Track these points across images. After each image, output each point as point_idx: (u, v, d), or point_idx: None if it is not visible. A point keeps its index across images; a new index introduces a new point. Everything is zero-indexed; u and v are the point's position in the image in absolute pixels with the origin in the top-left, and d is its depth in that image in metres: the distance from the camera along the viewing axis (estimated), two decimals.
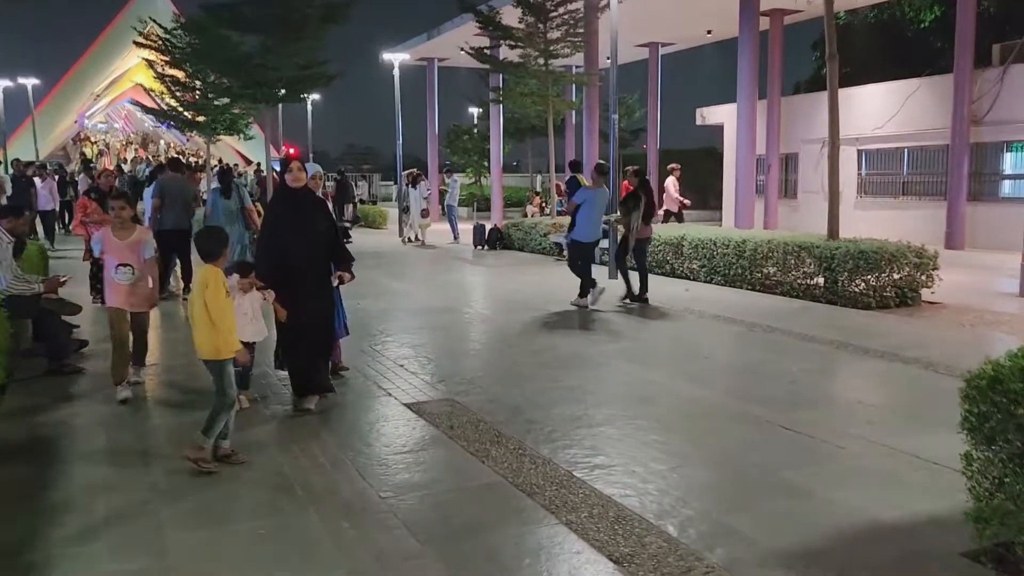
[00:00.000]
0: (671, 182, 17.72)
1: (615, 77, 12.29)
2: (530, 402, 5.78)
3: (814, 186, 20.56)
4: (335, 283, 5.89)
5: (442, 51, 26.36)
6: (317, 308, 5.63)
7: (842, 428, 5.10)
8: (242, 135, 22.66)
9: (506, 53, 18.71)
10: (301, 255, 5.52)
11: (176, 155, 37.47)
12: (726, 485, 4.26)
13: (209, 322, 4.56)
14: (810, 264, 10.26)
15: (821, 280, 10.12)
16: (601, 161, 11.15)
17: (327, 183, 21.57)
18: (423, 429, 5.26)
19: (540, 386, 6.25)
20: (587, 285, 9.78)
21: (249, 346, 5.34)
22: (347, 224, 21.00)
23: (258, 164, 33.26)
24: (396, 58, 20.30)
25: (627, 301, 10.21)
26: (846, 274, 9.69)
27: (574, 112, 28.02)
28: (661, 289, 11.34)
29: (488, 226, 18.05)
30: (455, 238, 19.18)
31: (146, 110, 20.30)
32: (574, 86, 20.90)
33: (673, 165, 18.16)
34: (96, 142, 51.96)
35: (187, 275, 10.89)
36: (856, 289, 9.64)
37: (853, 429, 5.07)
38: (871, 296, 9.54)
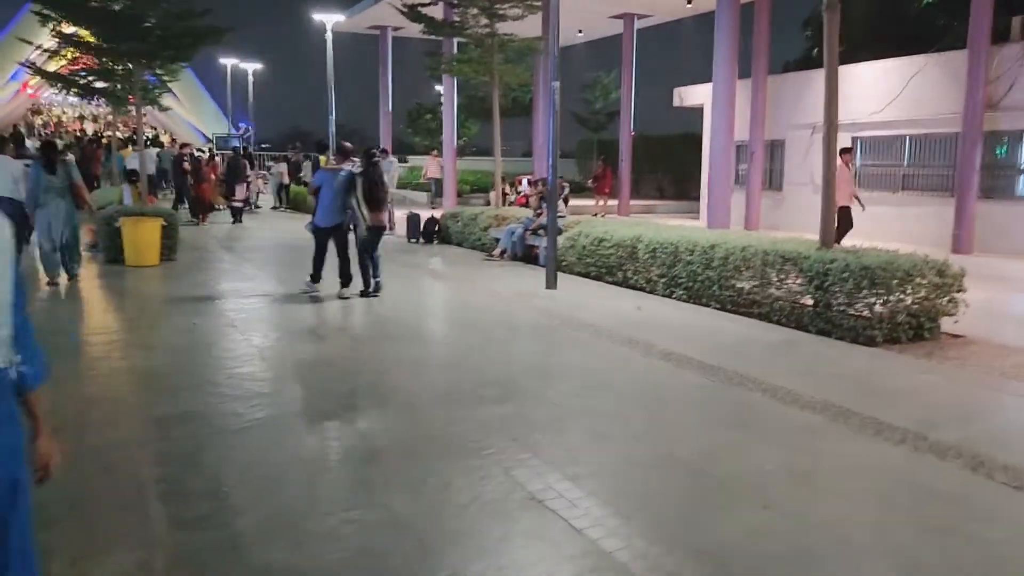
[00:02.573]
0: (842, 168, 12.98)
1: (556, 27, 9.72)
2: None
3: (802, 177, 18.15)
4: None
5: (396, 18, 23.68)
6: None
7: None
8: (156, 104, 20.04)
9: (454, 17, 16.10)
10: None
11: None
12: None
13: None
14: (797, 279, 7.84)
15: (810, 300, 7.71)
16: (346, 143, 10.18)
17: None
18: None
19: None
20: (317, 269, 9.14)
21: None
22: (238, 204, 18.48)
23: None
24: (329, 20, 17.63)
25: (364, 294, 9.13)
26: (843, 296, 7.27)
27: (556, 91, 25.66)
28: (606, 304, 8.88)
29: (426, 216, 15.50)
30: (389, 229, 16.60)
31: (42, 75, 17.49)
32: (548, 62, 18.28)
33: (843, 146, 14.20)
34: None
35: None
36: (856, 316, 7.23)
37: None
38: (877, 327, 7.11)
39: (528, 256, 12.58)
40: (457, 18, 14.61)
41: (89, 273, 10.71)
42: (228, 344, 6.86)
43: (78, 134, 43.68)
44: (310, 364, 6.29)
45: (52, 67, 21.37)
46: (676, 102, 22.42)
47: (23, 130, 42.76)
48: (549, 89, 9.68)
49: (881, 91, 16.40)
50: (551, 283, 9.92)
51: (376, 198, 9.08)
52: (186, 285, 10.06)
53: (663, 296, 9.39)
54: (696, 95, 21.57)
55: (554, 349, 6.96)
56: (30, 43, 18.11)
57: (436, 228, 15.21)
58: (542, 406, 5.26)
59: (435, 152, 25.13)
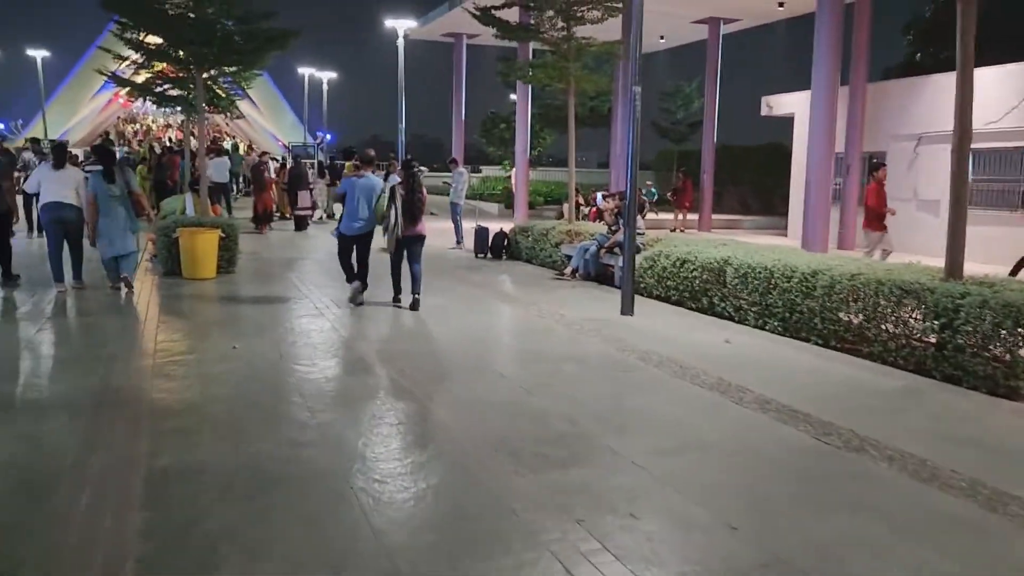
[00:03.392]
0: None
1: (639, 24, 8.78)
2: None
3: (904, 192, 16.67)
4: None
5: (470, 25, 23.10)
6: None
7: None
8: (229, 112, 19.90)
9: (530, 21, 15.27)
10: None
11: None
12: None
13: None
14: (916, 314, 6.70)
15: (933, 339, 6.57)
16: (369, 151, 10.00)
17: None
18: None
19: None
20: (350, 279, 9.19)
21: None
22: (302, 213, 18.06)
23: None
24: (401, 26, 17.08)
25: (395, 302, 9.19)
26: (977, 336, 6.12)
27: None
28: (690, 335, 7.89)
29: (495, 229, 14.71)
30: (457, 242, 15.91)
31: (118, 82, 17.37)
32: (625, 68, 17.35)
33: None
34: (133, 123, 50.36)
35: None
36: (994, 361, 6.07)
37: None
38: (1022, 376, 5.94)
39: (602, 276, 11.65)
40: (533, 21, 13.81)
41: (143, 285, 10.28)
42: (262, 374, 6.16)
43: (166, 142, 44.76)
44: (348, 400, 5.51)
45: (140, 78, 21.50)
46: (764, 111, 21.14)
47: (114, 138, 44.14)
48: (629, 95, 8.75)
49: (998, 99, 14.85)
50: (627, 308, 8.97)
51: (413, 208, 8.88)
52: (237, 301, 9.49)
53: (754, 327, 8.32)
54: (786, 104, 20.27)
55: (630, 391, 6.01)
56: (110, 53, 18.05)
57: (505, 243, 14.41)
58: (616, 470, 4.34)
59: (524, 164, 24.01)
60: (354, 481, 4.12)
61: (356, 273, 9.14)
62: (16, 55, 32.46)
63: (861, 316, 7.19)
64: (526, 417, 5.26)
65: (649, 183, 24.86)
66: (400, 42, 17.21)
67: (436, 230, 17.60)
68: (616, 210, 11.97)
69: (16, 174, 14.16)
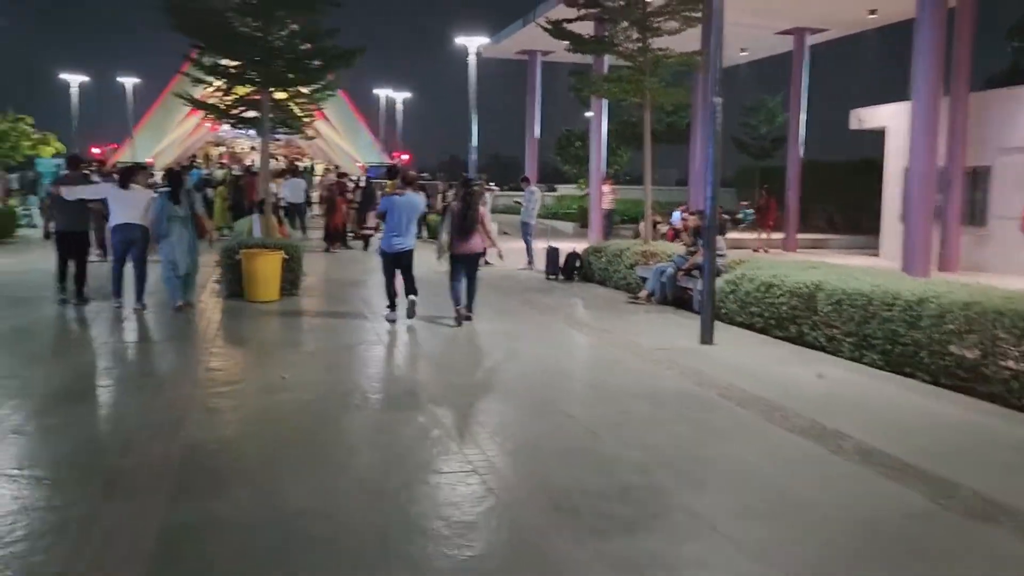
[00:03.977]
0: None
1: (720, 33, 8.12)
2: None
3: (1012, 211, 15.36)
4: None
5: (544, 41, 22.71)
6: None
7: None
8: (304, 134, 19.99)
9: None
10: None
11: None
12: None
13: None
14: None
15: None
16: (410, 171, 10.30)
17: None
18: None
19: None
20: (391, 298, 9.22)
21: None
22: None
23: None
24: (472, 43, 16.77)
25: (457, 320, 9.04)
26: None
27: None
28: (777, 368, 7.14)
29: (567, 250, 14.14)
30: (528, 263, 15.40)
31: (195, 104, 17.55)
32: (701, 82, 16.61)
33: None
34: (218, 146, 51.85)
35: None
36: None
37: None
38: None
39: (679, 300, 10.94)
40: (607, 34, 13.26)
41: (205, 307, 10.12)
42: (308, 408, 5.74)
43: (247, 163, 45.83)
44: (395, 442, 5.02)
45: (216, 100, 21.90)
46: (853, 125, 20.00)
47: (201, 161, 45.48)
48: (709, 107, 8.10)
49: None
50: (707, 337, 8.26)
51: (467, 225, 8.96)
52: (295, 325, 9.19)
53: (850, 360, 7.51)
54: (878, 116, 19.11)
55: (710, 435, 5.35)
56: (188, 76, 18.34)
57: (577, 264, 13.82)
58: (692, 537, 3.71)
59: (610, 180, 22.85)
60: (391, 543, 3.60)
61: (405, 288, 9.13)
62: (108, 81, 33.71)
63: (977, 351, 6.33)
64: (592, 466, 4.66)
65: (745, 203, 23.78)
66: (471, 59, 16.92)
67: (506, 250, 17.17)
68: (695, 229, 11.24)
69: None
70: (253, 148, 54.33)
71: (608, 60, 18.37)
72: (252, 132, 44.17)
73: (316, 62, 11.36)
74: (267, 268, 10.46)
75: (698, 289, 10.35)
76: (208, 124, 49.55)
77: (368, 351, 7.76)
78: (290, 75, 11.32)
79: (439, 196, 20.22)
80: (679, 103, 15.41)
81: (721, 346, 8.17)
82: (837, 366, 7.34)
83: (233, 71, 11.34)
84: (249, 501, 4.06)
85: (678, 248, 12.13)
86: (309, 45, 11.16)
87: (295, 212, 22.13)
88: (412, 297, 9.05)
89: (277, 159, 43.12)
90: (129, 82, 32.88)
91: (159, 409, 5.62)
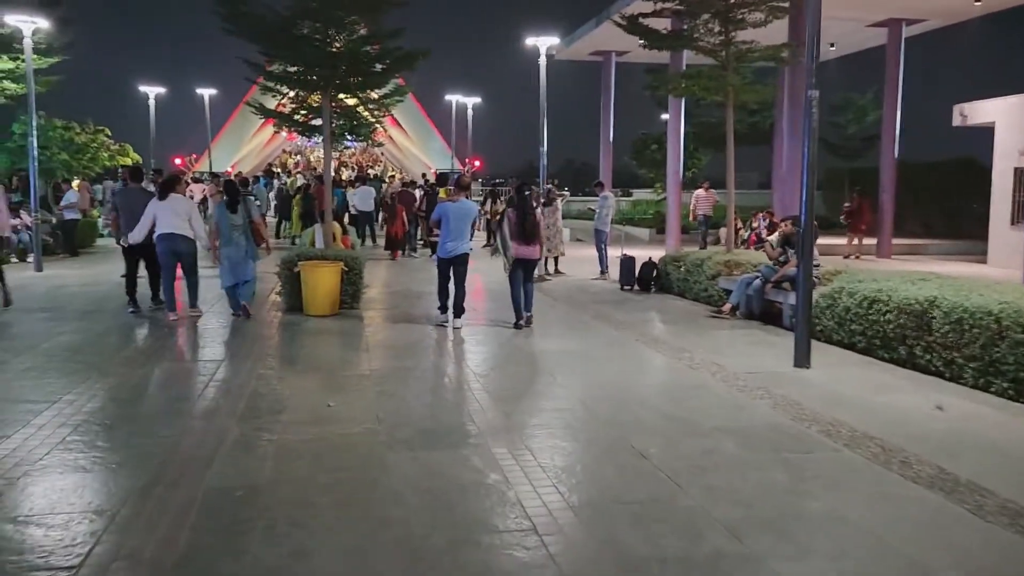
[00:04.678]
0: None
1: (817, 17, 7.24)
2: None
3: None
4: None
5: (619, 41, 21.90)
6: None
7: None
8: (368, 140, 19.67)
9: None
10: None
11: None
12: None
13: None
14: None
15: None
16: (464, 173, 10.25)
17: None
18: None
19: None
20: (443, 300, 9.37)
21: None
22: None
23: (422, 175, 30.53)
24: (543, 43, 16.13)
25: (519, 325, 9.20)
26: None
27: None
28: (886, 398, 6.22)
29: (642, 259, 13.32)
30: (601, 272, 14.63)
31: (263, 113, 17.38)
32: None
33: None
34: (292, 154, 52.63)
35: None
36: None
37: None
38: None
39: (767, 314, 10.01)
40: (686, 27, 12.39)
41: (260, 322, 9.73)
42: (351, 443, 5.14)
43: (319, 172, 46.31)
44: (442, 489, 4.36)
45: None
46: (956, 121, 18.54)
47: (277, 169, 46.18)
48: (805, 101, 7.21)
49: None
50: (802, 359, 7.36)
51: (524, 230, 9.10)
52: (351, 344, 8.68)
53: (974, 388, 6.51)
54: (985, 112, 17.62)
55: (813, 484, 4.51)
56: (256, 84, 18.26)
57: (654, 274, 12.98)
58: None
59: (705, 183, 20.90)
60: None
61: (455, 300, 9.26)
62: (186, 92, 34.44)
63: None
64: (673, 526, 3.90)
65: (847, 205, 22.14)
66: (542, 60, 16.21)
67: (579, 258, 16.45)
68: (783, 237, 10.28)
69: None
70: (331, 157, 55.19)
71: (686, 58, 17.46)
72: (344, 143, 44.51)
73: (379, 65, 10.86)
74: (325, 281, 10.00)
75: (789, 303, 9.44)
76: (284, 133, 50.49)
77: (425, 374, 7.15)
78: (352, 79, 10.84)
79: (487, 203, 19.57)
80: (764, 101, 14.32)
81: (819, 370, 7.27)
82: (959, 396, 6.37)
83: (294, 76, 10.94)
84: (268, 565, 3.46)
85: (763, 257, 11.20)
86: (371, 47, 10.65)
87: (364, 220, 21.92)
88: (458, 322, 9.24)
89: (349, 167, 43.47)
90: (207, 93, 33.42)
91: (190, 445, 5.11)
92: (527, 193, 9.46)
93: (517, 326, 9.15)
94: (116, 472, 4.60)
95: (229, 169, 37.92)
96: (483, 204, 19.34)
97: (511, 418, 5.72)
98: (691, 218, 20.57)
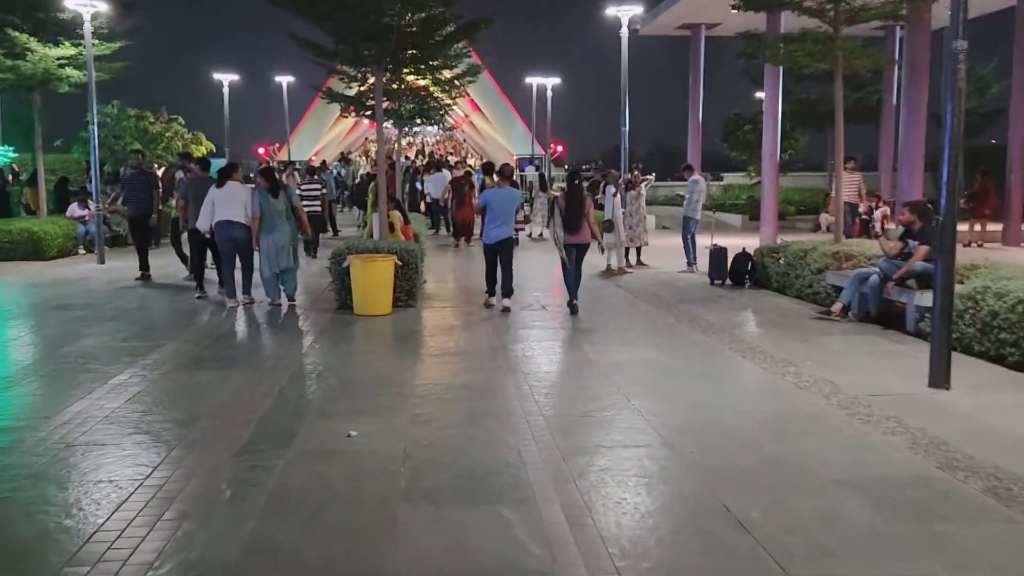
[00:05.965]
0: None
1: None
2: None
3: None
4: None
5: (709, 12, 20.24)
6: None
7: None
8: (439, 123, 18.66)
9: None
10: None
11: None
12: None
13: None
14: None
15: None
16: (508, 164, 10.50)
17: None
18: None
19: None
20: (490, 284, 9.61)
21: None
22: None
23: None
24: (625, 13, 14.73)
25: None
26: None
27: (961, 54, 20.40)
28: (1001, 418, 4.74)
29: (735, 249, 11.85)
30: (688, 264, 13.21)
31: (332, 98, 16.52)
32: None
33: None
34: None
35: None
36: None
37: None
38: None
39: (885, 315, 8.48)
40: None
41: (305, 321, 8.83)
42: (365, 489, 4.06)
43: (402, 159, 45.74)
44: (474, 562, 3.23)
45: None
46: None
47: (359, 156, 45.95)
48: (950, 55, 5.72)
49: None
50: (939, 378, 5.91)
51: (571, 217, 9.16)
52: (397, 350, 7.67)
53: None
54: None
55: (978, 564, 3.17)
56: (323, 66, 17.48)
57: (749, 267, 11.50)
58: None
59: (851, 163, 15.62)
60: None
61: (503, 282, 9.42)
62: (265, 81, 34.37)
63: None
64: None
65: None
66: (623, 32, 14.83)
67: (664, 248, 15.04)
68: (905, 228, 8.69)
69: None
70: (410, 144, 54.66)
71: (785, 26, 15.74)
72: (413, 127, 43.77)
73: (442, 33, 9.74)
74: (375, 278, 9.01)
75: (914, 304, 7.91)
76: (367, 122, 50.32)
77: (474, 393, 6.00)
78: (405, 53, 9.77)
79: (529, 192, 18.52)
80: (879, 66, 12.53)
81: (962, 392, 5.81)
82: None
83: (343, 51, 9.95)
84: None
85: (873, 246, 9.64)
86: (423, 14, 9.54)
87: (438, 209, 21.00)
88: (506, 302, 9.39)
89: (423, 154, 42.80)
90: (284, 80, 33.22)
91: (170, 491, 4.12)
92: (577, 181, 9.62)
93: (571, 306, 9.25)
94: (78, 522, 3.66)
95: (313, 157, 37.73)
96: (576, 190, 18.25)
97: (570, 460, 4.52)
98: (827, 210, 17.09)
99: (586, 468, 4.41)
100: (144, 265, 11.86)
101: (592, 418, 5.36)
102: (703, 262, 12.42)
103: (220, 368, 6.73)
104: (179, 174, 13.77)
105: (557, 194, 10.44)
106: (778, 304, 9.97)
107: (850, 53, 10.57)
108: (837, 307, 8.82)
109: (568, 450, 4.68)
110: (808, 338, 7.88)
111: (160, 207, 12.44)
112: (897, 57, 17.18)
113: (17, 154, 20.25)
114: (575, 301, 9.24)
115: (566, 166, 37.78)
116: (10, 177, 21.20)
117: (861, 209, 16.96)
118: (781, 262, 10.85)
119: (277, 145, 40.55)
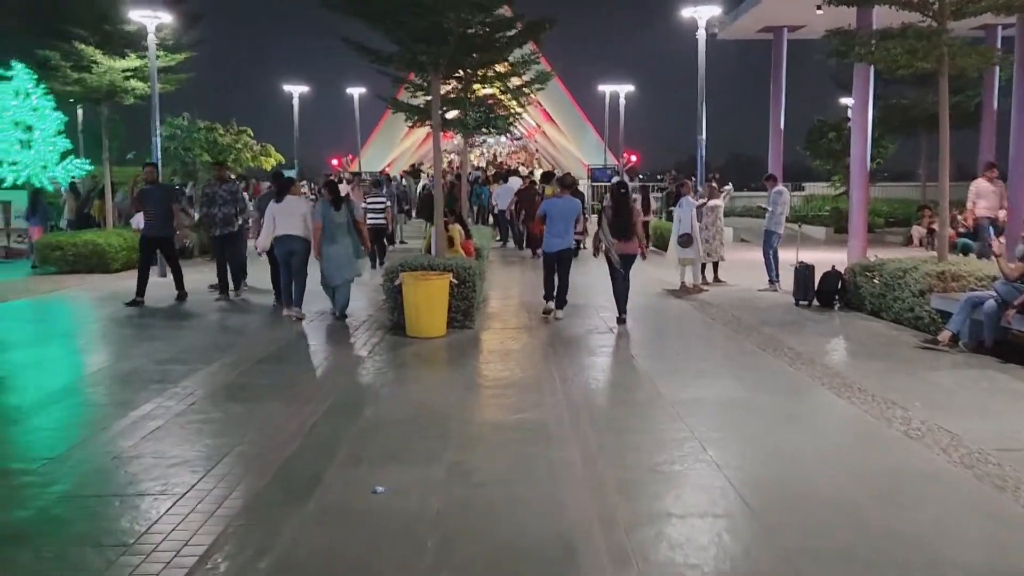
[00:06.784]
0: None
1: None
2: None
3: None
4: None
5: (792, 14, 19.09)
6: None
7: None
8: (506, 132, 18.11)
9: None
10: None
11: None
12: None
13: None
14: None
15: None
16: (568, 174, 10.90)
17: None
18: None
19: None
20: (548, 291, 9.66)
21: None
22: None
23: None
24: (701, 14, 13.86)
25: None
26: None
27: (997, 87, 18.89)
28: None
29: (820, 264, 10.83)
30: (770, 282, 12.20)
31: (396, 107, 16.02)
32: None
33: None
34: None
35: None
36: None
37: None
38: None
39: (1003, 344, 7.41)
40: None
41: (348, 342, 8.29)
42: (381, 569, 3.39)
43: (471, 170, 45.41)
44: None
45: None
46: None
47: (430, 168, 45.85)
48: None
49: None
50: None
51: (618, 228, 9.20)
52: (448, 380, 7.01)
53: None
54: None
55: None
56: (389, 76, 17.10)
57: (839, 286, 10.46)
58: None
59: (991, 171, 13.52)
60: None
61: (558, 292, 9.54)
62: (338, 93, 34.58)
63: None
64: None
65: None
66: (700, 35, 13.96)
67: (743, 263, 14.03)
68: None
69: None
70: (482, 154, 54.33)
71: (877, 24, 14.55)
72: (486, 139, 43.26)
73: (505, 36, 9.09)
74: (428, 297, 8.39)
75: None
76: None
77: (525, 436, 5.24)
78: (464, 56, 9.16)
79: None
80: (987, 66, 11.30)
81: None
82: None
83: (399, 55, 9.39)
84: None
85: (993, 268, 8.52)
86: (486, 17, 8.87)
87: (505, 221, 20.39)
88: (559, 313, 9.52)
89: (493, 165, 42.38)
90: (356, 92, 33.30)
91: (162, 560, 3.54)
92: (623, 191, 9.62)
93: (620, 320, 9.19)
94: None
95: (386, 168, 37.74)
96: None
97: (633, 534, 3.74)
98: (966, 221, 14.02)
99: (652, 545, 3.62)
100: (140, 291, 10.68)
101: (661, 473, 4.56)
102: (786, 280, 11.42)
103: (252, 399, 6.16)
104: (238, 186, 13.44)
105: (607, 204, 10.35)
106: (874, 330, 8.93)
107: (957, 50, 9.47)
108: (945, 335, 7.77)
109: (632, 518, 3.90)
110: (913, 372, 6.88)
111: (187, 223, 12.08)
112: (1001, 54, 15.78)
113: (93, 167, 20.50)
114: (623, 315, 9.20)
115: (617, 177, 36.69)
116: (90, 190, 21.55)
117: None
118: (876, 281, 9.78)
119: (350, 157, 40.77)
